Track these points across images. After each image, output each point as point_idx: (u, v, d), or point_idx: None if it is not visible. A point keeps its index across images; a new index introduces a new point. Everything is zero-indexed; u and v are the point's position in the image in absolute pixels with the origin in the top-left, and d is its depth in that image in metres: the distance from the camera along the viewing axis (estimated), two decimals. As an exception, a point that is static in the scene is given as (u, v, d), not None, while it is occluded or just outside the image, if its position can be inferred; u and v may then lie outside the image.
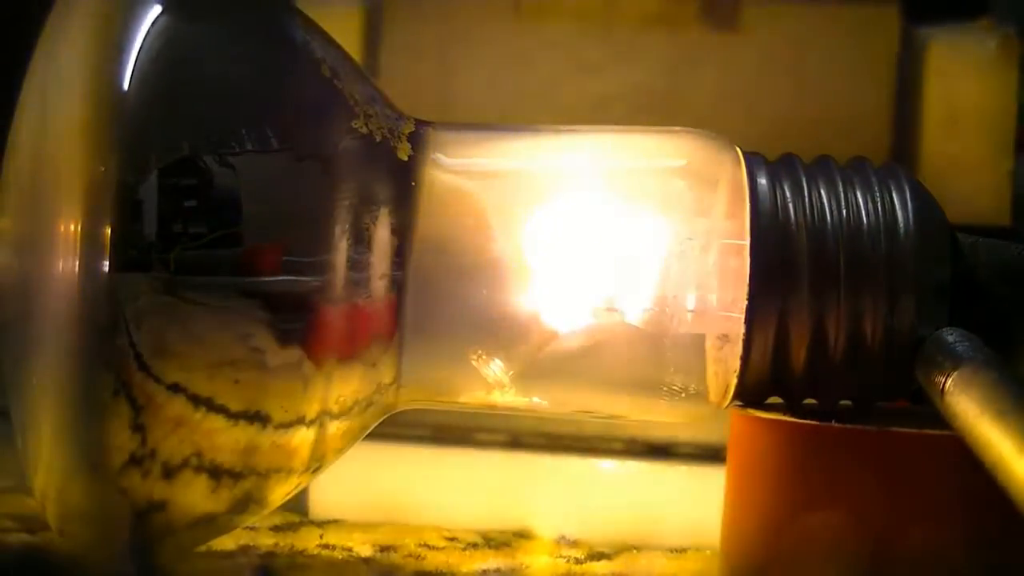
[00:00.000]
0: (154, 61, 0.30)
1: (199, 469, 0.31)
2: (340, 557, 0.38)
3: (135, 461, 0.30)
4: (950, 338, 0.32)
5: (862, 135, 0.44)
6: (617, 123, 0.37)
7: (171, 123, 0.30)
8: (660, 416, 0.36)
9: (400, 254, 0.33)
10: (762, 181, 0.34)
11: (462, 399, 0.35)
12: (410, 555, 0.39)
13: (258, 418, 0.31)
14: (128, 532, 0.31)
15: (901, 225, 0.33)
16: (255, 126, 0.32)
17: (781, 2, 0.44)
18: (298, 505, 0.42)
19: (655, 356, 0.34)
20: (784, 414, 0.34)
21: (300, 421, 0.32)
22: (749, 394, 0.34)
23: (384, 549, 0.39)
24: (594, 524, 0.42)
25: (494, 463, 0.43)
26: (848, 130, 0.43)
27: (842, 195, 0.34)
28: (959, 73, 0.44)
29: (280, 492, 0.34)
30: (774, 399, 0.35)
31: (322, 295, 0.32)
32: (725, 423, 0.36)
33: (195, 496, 0.31)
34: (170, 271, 0.30)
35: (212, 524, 0.33)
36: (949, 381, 0.31)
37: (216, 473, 0.31)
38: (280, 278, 0.31)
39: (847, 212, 0.33)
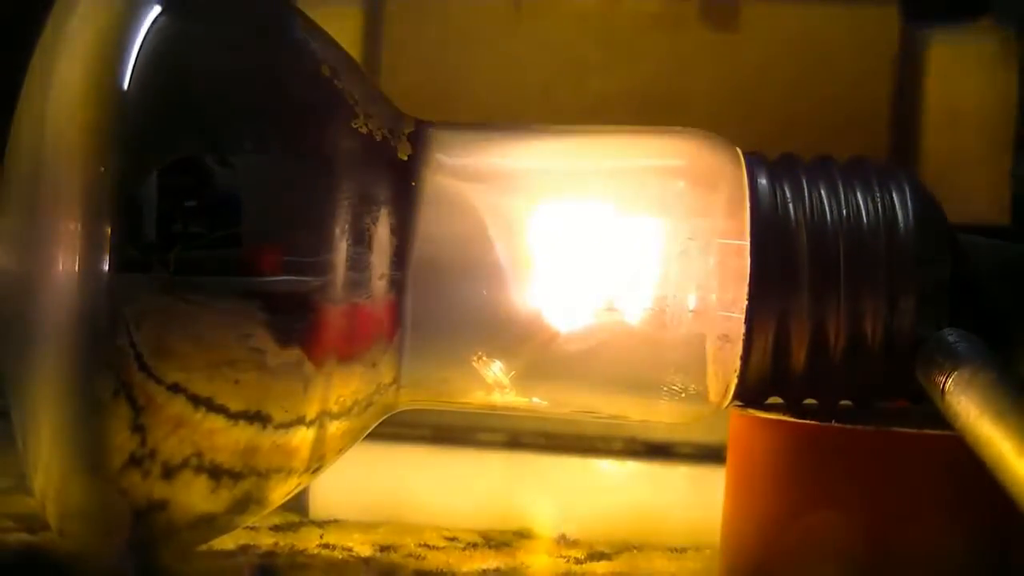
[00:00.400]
0: (154, 61, 0.30)
1: (199, 469, 0.31)
2: (340, 557, 0.38)
3: (135, 461, 0.30)
4: (950, 338, 0.32)
5: (862, 135, 0.44)
6: (617, 123, 0.37)
7: (171, 123, 0.30)
8: (660, 416, 0.36)
9: (400, 254, 0.33)
10: (762, 181, 0.34)
11: (462, 399, 0.35)
12: (410, 555, 0.39)
13: (258, 418, 0.31)
14: (128, 532, 0.31)
15: (901, 225, 0.33)
16: (255, 126, 0.32)
17: (781, 2, 0.44)
18: (298, 505, 0.42)
19: (655, 356, 0.34)
20: (784, 414, 0.34)
21: (300, 421, 0.32)
22: (749, 394, 0.34)
23: (384, 549, 0.39)
24: (594, 524, 0.42)
25: (494, 463, 0.43)
26: (848, 130, 0.43)
27: (842, 195, 0.34)
28: (959, 73, 0.44)
29: (280, 492, 0.34)
30: (774, 399, 0.35)
31: (322, 295, 0.32)
32: (725, 423, 0.36)
33: (195, 496, 0.31)
34: (170, 271, 0.30)
35: (212, 524, 0.33)
36: (949, 381, 0.31)
37: (216, 473, 0.31)
38: (280, 278, 0.31)
39: (847, 212, 0.33)
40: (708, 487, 0.39)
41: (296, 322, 0.31)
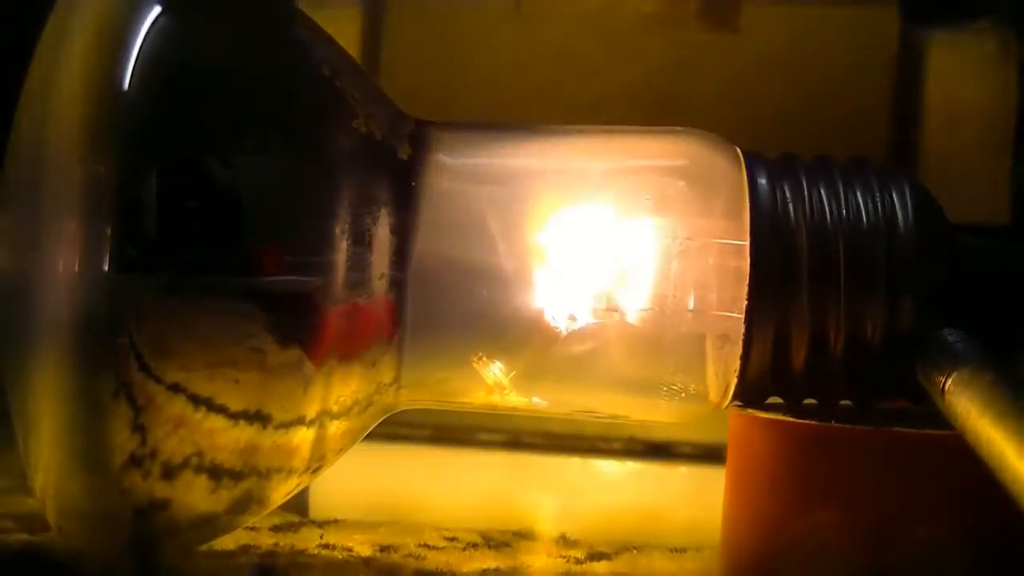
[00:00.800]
0: (154, 61, 0.30)
1: (199, 469, 0.31)
2: (340, 557, 0.38)
3: (135, 461, 0.30)
4: (950, 338, 0.32)
5: (862, 135, 0.44)
6: (617, 123, 0.37)
7: (171, 123, 0.30)
8: (660, 416, 0.36)
9: (400, 254, 0.33)
10: (762, 181, 0.34)
11: (462, 399, 0.35)
12: (410, 555, 0.39)
13: (258, 418, 0.31)
14: (128, 532, 0.31)
15: (901, 225, 0.33)
16: (255, 126, 0.32)
17: (781, 2, 0.44)
18: (298, 505, 0.42)
19: (655, 356, 0.34)
20: (784, 414, 0.34)
21: (300, 421, 0.32)
22: (749, 394, 0.34)
23: (384, 549, 0.39)
24: (594, 524, 0.42)
25: (494, 463, 0.43)
26: (848, 130, 0.43)
27: (842, 195, 0.34)
28: (959, 73, 0.44)
29: (280, 492, 0.34)
30: (774, 399, 0.35)
31: (322, 295, 0.32)
32: (725, 423, 0.36)
33: (195, 496, 0.31)
34: (170, 271, 0.30)
35: (212, 524, 0.33)
36: (949, 381, 0.31)
37: (216, 473, 0.31)
38: (280, 278, 0.31)
39: (847, 212, 0.33)
40: (708, 487, 0.39)
41: (296, 322, 0.31)
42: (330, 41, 0.35)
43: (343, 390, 0.33)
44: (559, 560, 0.39)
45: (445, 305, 0.34)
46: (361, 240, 0.32)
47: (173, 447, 0.30)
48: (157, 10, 0.30)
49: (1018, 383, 0.30)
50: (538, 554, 0.40)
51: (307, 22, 0.34)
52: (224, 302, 0.31)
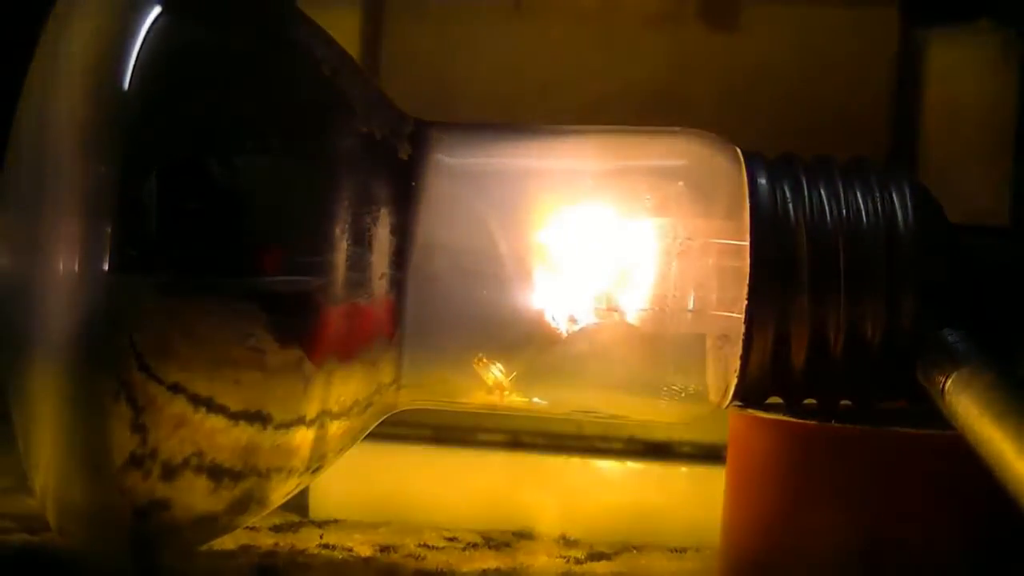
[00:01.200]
0: (154, 61, 0.30)
1: (199, 469, 0.31)
2: (340, 557, 0.38)
3: (135, 461, 0.30)
4: (950, 338, 0.32)
5: (862, 135, 0.44)
6: (617, 123, 0.37)
7: (171, 123, 0.30)
8: (660, 416, 0.36)
9: (400, 254, 0.33)
10: (762, 181, 0.34)
11: (462, 399, 0.35)
12: (410, 555, 0.39)
13: (258, 418, 0.31)
14: (128, 532, 0.31)
15: (901, 225, 0.33)
16: (255, 126, 0.32)
17: (781, 2, 0.44)
18: (298, 505, 0.42)
19: (655, 356, 0.34)
20: (784, 414, 0.34)
21: (300, 421, 0.32)
22: (749, 394, 0.34)
23: (384, 549, 0.39)
24: (594, 524, 0.42)
25: (494, 463, 0.43)
26: (848, 130, 0.43)
27: (842, 195, 0.34)
28: (959, 73, 0.44)
29: (280, 492, 0.34)
30: (774, 399, 0.35)
31: (322, 295, 0.32)
32: (725, 423, 0.36)
33: (196, 496, 0.31)
34: (170, 271, 0.30)
35: (213, 524, 0.33)
36: (949, 381, 0.31)
37: (216, 473, 0.31)
38: (280, 278, 0.31)
39: (847, 212, 0.33)
40: (708, 487, 0.39)
41: (296, 322, 0.31)
42: (330, 41, 0.35)
43: (343, 390, 0.33)
44: (559, 560, 0.39)
45: (445, 305, 0.34)
46: (361, 240, 0.32)
47: (173, 447, 0.30)
48: (157, 10, 0.30)
49: (1018, 383, 0.30)
50: (538, 554, 0.40)
51: (307, 22, 0.34)
52: (224, 302, 0.31)
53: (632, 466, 0.43)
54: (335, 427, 0.33)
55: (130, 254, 0.29)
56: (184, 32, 0.31)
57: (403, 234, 0.33)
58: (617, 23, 0.44)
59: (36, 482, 0.31)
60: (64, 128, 0.30)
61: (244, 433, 0.31)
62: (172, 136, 0.30)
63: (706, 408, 0.35)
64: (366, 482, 0.43)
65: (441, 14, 0.45)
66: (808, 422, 0.34)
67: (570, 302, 0.34)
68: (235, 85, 0.32)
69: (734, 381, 0.34)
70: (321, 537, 0.40)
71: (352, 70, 0.35)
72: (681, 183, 0.34)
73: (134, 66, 0.30)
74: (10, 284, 0.30)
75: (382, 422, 0.35)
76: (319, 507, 0.43)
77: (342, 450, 0.34)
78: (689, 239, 0.34)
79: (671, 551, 0.40)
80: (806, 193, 0.34)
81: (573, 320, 0.34)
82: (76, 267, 0.29)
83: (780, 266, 0.33)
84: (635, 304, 0.34)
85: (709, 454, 0.42)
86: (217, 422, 0.31)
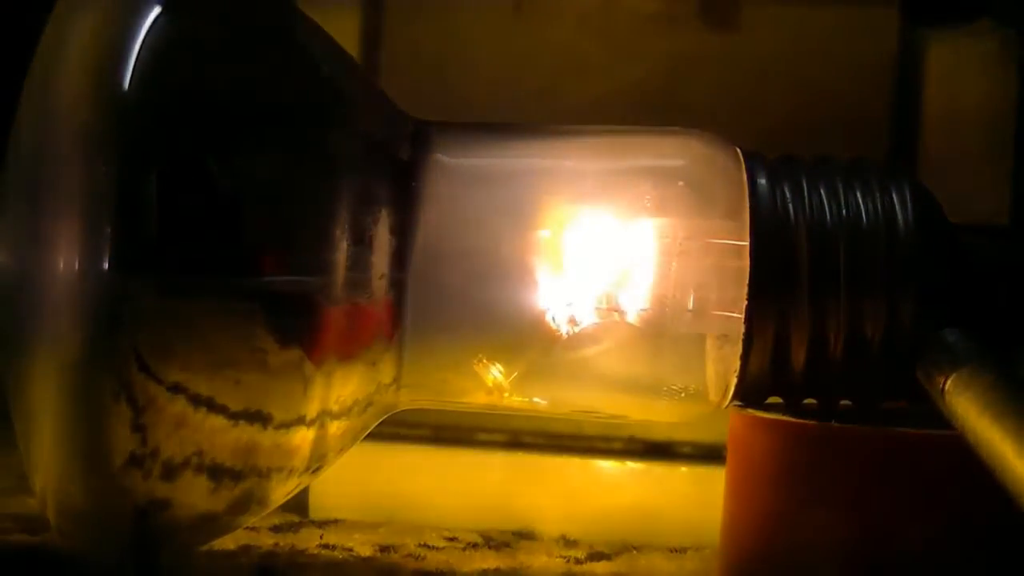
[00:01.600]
0: (154, 61, 0.30)
1: (200, 469, 0.31)
2: (340, 557, 0.38)
3: (135, 461, 0.30)
4: (950, 338, 0.32)
5: (862, 135, 0.44)
6: (617, 123, 0.37)
7: (171, 123, 0.30)
8: (660, 416, 0.36)
9: (400, 254, 0.33)
10: (762, 181, 0.34)
11: (463, 399, 0.35)
12: (410, 555, 0.39)
13: (258, 418, 0.31)
14: (128, 532, 0.31)
15: (901, 225, 0.33)
16: (255, 126, 0.32)
17: (781, 2, 0.44)
18: (298, 505, 0.42)
19: (655, 356, 0.34)
20: (784, 414, 0.34)
21: (300, 421, 0.32)
22: (749, 394, 0.34)
23: (384, 549, 0.39)
24: (594, 524, 0.42)
25: (494, 463, 0.43)
26: (848, 130, 0.43)
27: (842, 195, 0.34)
28: (959, 73, 0.44)
29: (281, 492, 0.34)
30: (774, 399, 0.35)
31: (322, 295, 0.32)
32: (725, 423, 0.36)
33: (196, 496, 0.31)
34: (170, 271, 0.30)
35: (213, 524, 0.33)
36: (949, 382, 0.31)
37: (217, 473, 0.31)
38: (280, 278, 0.31)
39: (847, 212, 0.33)
40: (708, 487, 0.39)
41: (296, 322, 0.31)
42: (330, 41, 0.35)
43: (343, 390, 0.33)
44: (559, 560, 0.39)
45: (445, 305, 0.34)
46: (361, 240, 0.32)
47: (173, 447, 0.30)
48: (157, 10, 0.30)
49: (1018, 383, 0.30)
50: (538, 554, 0.40)
51: (307, 22, 0.34)
52: (224, 302, 0.31)
53: (632, 466, 0.43)
54: (335, 427, 0.33)
55: (130, 254, 0.29)
56: (184, 32, 0.31)
57: (403, 234, 0.33)
58: (617, 23, 0.44)
59: (36, 482, 0.31)
60: (64, 128, 0.30)
61: (244, 433, 0.31)
62: (172, 136, 0.30)
63: (706, 408, 0.35)
64: (366, 482, 0.43)
65: (441, 14, 0.45)
66: (808, 422, 0.34)
67: (570, 302, 0.34)
68: (235, 85, 0.32)
69: (734, 381, 0.34)
70: (321, 537, 0.40)
71: (352, 70, 0.35)
72: (681, 183, 0.34)
73: (134, 66, 0.30)
74: (10, 284, 0.30)
75: (382, 422, 0.35)
76: (319, 507, 0.43)
77: (342, 450, 0.34)
78: (689, 239, 0.34)
79: (671, 551, 0.40)
80: (806, 193, 0.34)
81: (573, 320, 0.34)
82: (76, 267, 0.29)
83: (780, 266, 0.33)
84: (635, 304, 0.34)
85: (709, 454, 0.42)
86: (217, 422, 0.31)
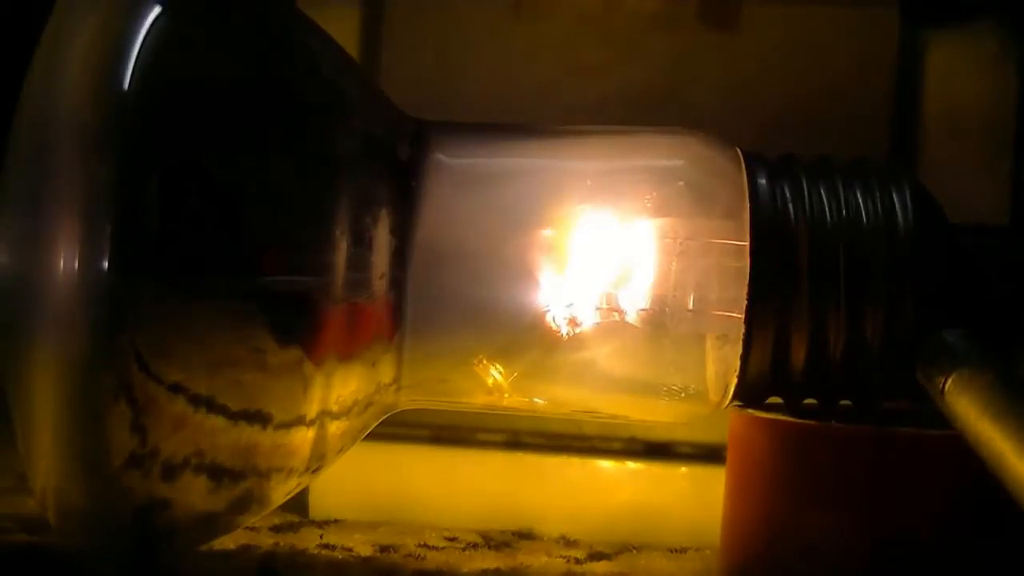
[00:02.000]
0: (154, 62, 0.30)
1: (199, 469, 0.31)
2: (340, 557, 0.38)
3: (135, 461, 0.30)
4: (950, 338, 0.32)
5: (862, 135, 0.44)
6: (617, 123, 0.37)
7: (171, 123, 0.30)
8: (660, 416, 0.36)
9: (400, 254, 0.33)
10: (762, 181, 0.34)
11: (462, 399, 0.35)
12: (410, 555, 0.39)
13: (258, 418, 0.31)
14: (128, 532, 0.31)
15: (901, 225, 0.33)
16: (255, 126, 0.32)
17: (781, 2, 0.44)
18: (298, 505, 0.42)
19: (655, 356, 0.34)
20: (784, 414, 0.34)
21: (300, 421, 0.32)
22: (749, 394, 0.34)
23: (384, 549, 0.39)
24: (594, 524, 0.42)
25: (494, 463, 0.43)
26: (848, 130, 0.43)
27: (842, 195, 0.34)
28: (959, 73, 0.44)
29: (280, 492, 0.34)
30: (774, 399, 0.35)
31: (322, 295, 0.32)
32: (725, 423, 0.36)
33: (195, 496, 0.31)
34: (170, 271, 0.30)
35: (212, 524, 0.33)
36: (949, 382, 0.31)
37: (216, 473, 0.31)
38: (280, 278, 0.31)
39: (847, 212, 0.33)
40: (708, 487, 0.39)
41: (296, 322, 0.31)
42: (330, 41, 0.35)
43: (343, 390, 0.33)
44: (559, 560, 0.39)
45: (445, 305, 0.34)
46: (361, 240, 0.32)
47: (173, 447, 0.30)
48: (157, 10, 0.30)
49: (1018, 383, 0.30)
50: (538, 554, 0.40)
51: (307, 22, 0.34)
52: (224, 302, 0.31)
53: (632, 466, 0.43)
54: (335, 427, 0.33)
55: (130, 254, 0.29)
56: (184, 32, 0.31)
57: (403, 234, 0.33)
58: (617, 23, 0.44)
59: (36, 482, 0.31)
60: (64, 128, 0.30)
61: (244, 433, 0.31)
62: (172, 136, 0.30)
63: (706, 408, 0.35)
64: (366, 482, 0.43)
65: (441, 14, 0.45)
66: (808, 422, 0.34)
67: (570, 302, 0.34)
68: (235, 85, 0.32)
69: (734, 381, 0.34)
70: (321, 537, 0.40)
71: (352, 70, 0.35)
72: (681, 183, 0.34)
73: (134, 66, 0.30)
74: (10, 284, 0.30)
75: (382, 422, 0.35)
76: (319, 507, 0.43)
77: (342, 450, 0.34)
78: (689, 239, 0.34)
79: (671, 551, 0.40)
80: (806, 193, 0.34)
81: (573, 320, 0.34)
82: (76, 267, 0.29)
83: (780, 266, 0.33)
84: (635, 304, 0.34)
85: (709, 454, 0.42)
86: (217, 422, 0.31)
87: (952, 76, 0.44)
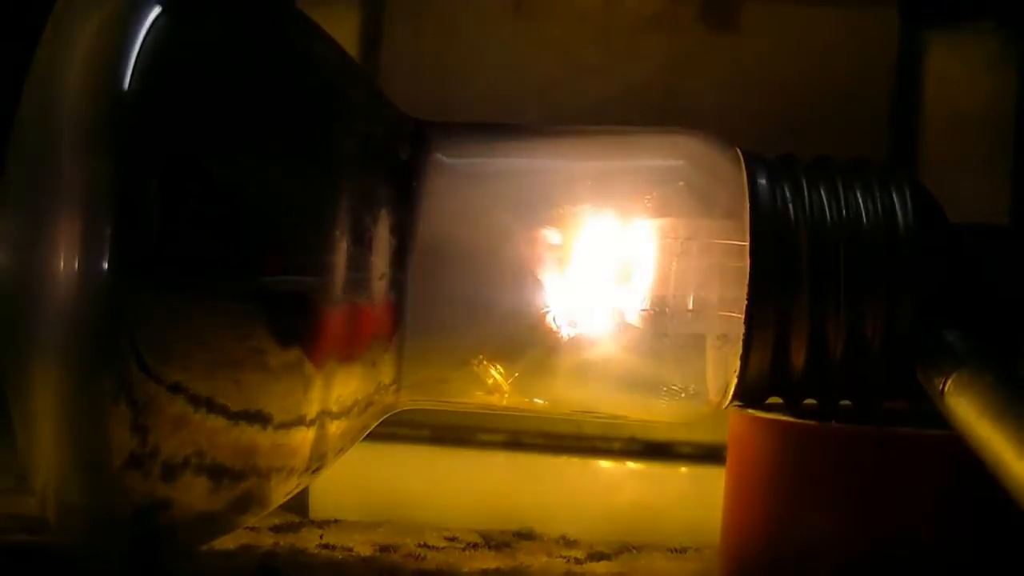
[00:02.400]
0: (154, 61, 0.30)
1: (199, 469, 0.31)
2: (340, 557, 0.38)
3: (135, 461, 0.30)
4: (950, 338, 0.32)
5: (862, 135, 0.44)
6: (617, 123, 0.37)
7: (171, 123, 0.30)
8: (660, 416, 0.36)
9: (400, 254, 0.33)
10: (762, 181, 0.34)
11: (462, 400, 0.35)
12: (410, 555, 0.39)
13: (258, 418, 0.31)
14: (128, 532, 0.31)
15: (901, 225, 0.33)
16: (255, 126, 0.32)
17: (781, 2, 0.44)
18: (298, 505, 0.42)
19: (655, 356, 0.34)
20: (784, 414, 0.34)
21: (300, 421, 0.32)
22: (749, 394, 0.34)
23: (384, 549, 0.39)
24: (594, 524, 0.42)
25: (494, 463, 0.43)
26: (848, 130, 0.43)
27: (842, 195, 0.34)
28: (959, 73, 0.44)
29: (280, 492, 0.34)
30: (774, 399, 0.35)
31: (322, 295, 0.32)
32: (725, 423, 0.36)
33: (196, 496, 0.31)
34: (170, 271, 0.30)
35: (213, 523, 0.33)
36: (949, 382, 0.31)
37: (216, 473, 0.31)
38: (280, 278, 0.31)
39: (847, 212, 0.33)
40: (708, 487, 0.39)
41: (296, 322, 0.31)
42: (330, 41, 0.35)
43: (343, 390, 0.33)
44: (559, 560, 0.39)
45: (445, 306, 0.34)
46: (361, 240, 0.32)
47: (173, 447, 0.30)
48: (157, 10, 0.30)
49: (1018, 383, 0.30)
50: (538, 554, 0.40)
51: (307, 22, 0.34)
52: (224, 302, 0.31)
53: (632, 466, 0.43)
54: (335, 427, 0.33)
55: (130, 254, 0.29)
56: (184, 32, 0.31)
57: (403, 234, 0.33)
58: (617, 23, 0.44)
59: (36, 482, 0.31)
60: (64, 128, 0.30)
61: (244, 433, 0.31)
62: (172, 136, 0.30)
63: (706, 408, 0.35)
64: (366, 482, 0.43)
65: (441, 14, 0.45)
66: (808, 422, 0.34)
67: (570, 303, 0.34)
68: (235, 85, 0.32)
69: (734, 381, 0.34)
70: (321, 537, 0.40)
71: (352, 70, 0.35)
72: (681, 183, 0.34)
73: (134, 66, 0.30)
74: (10, 284, 0.30)
75: (382, 422, 0.35)
76: (319, 507, 0.43)
77: (342, 450, 0.34)
78: (689, 239, 0.34)
79: (671, 551, 0.40)
80: (806, 193, 0.34)
81: (573, 321, 0.34)
82: (76, 267, 0.29)
83: (780, 266, 0.33)
84: (635, 304, 0.34)
85: (709, 454, 0.42)
86: (217, 422, 0.31)
87: (952, 76, 0.44)
